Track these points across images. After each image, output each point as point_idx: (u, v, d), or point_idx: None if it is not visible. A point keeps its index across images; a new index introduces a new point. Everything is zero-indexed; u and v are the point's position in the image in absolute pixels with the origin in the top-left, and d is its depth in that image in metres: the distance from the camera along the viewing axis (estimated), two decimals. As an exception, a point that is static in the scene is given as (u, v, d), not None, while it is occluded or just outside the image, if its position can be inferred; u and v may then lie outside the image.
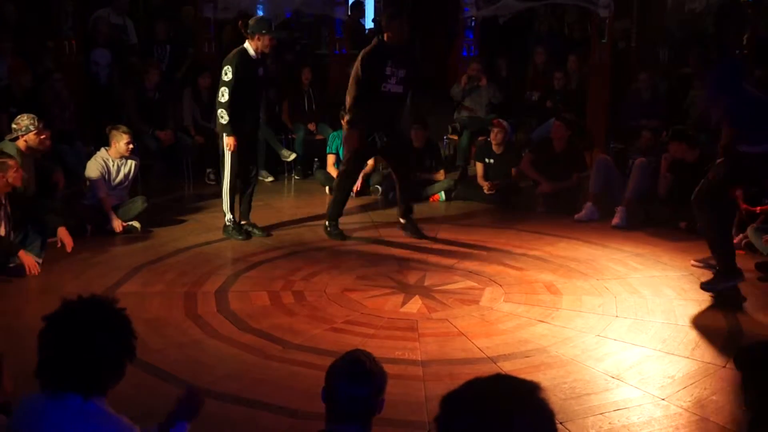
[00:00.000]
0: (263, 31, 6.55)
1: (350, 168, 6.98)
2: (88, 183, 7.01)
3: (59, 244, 6.17)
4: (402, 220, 7.06)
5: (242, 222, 6.94)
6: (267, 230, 7.04)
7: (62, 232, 6.19)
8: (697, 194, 5.49)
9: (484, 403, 1.55)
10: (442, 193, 8.51)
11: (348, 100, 6.66)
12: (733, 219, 6.32)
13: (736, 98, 5.36)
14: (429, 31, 12.36)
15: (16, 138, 6.42)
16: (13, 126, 6.49)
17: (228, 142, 6.58)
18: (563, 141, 8.12)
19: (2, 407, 2.76)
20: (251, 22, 6.74)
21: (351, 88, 6.62)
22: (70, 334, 2.24)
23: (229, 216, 6.81)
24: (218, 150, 6.78)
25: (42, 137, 6.51)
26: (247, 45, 6.60)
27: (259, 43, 6.57)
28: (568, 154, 8.13)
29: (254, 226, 7.00)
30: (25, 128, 6.43)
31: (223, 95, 6.50)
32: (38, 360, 2.25)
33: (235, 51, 6.63)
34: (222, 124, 6.56)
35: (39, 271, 5.88)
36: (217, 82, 6.77)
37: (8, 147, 6.32)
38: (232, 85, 6.46)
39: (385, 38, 6.63)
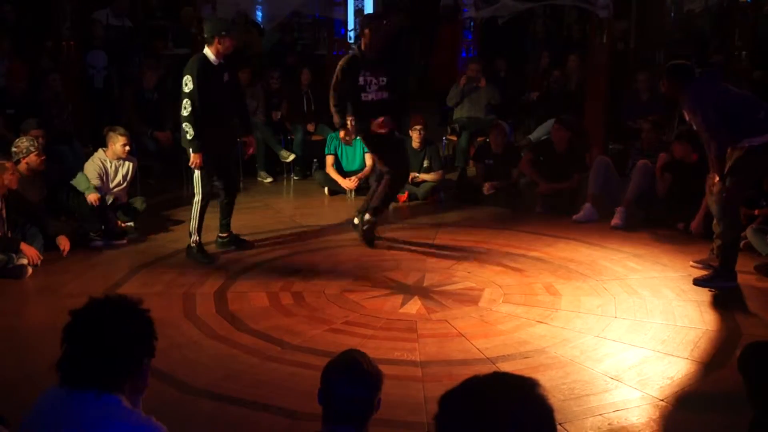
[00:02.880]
0: (222, 33, 6.06)
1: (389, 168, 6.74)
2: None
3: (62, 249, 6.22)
4: (366, 217, 6.73)
5: (223, 235, 6.61)
6: (251, 243, 6.71)
7: (61, 240, 6.20)
8: (720, 202, 5.64)
9: (482, 401, 1.55)
10: (441, 193, 8.51)
11: (331, 103, 6.65)
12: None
13: (720, 105, 5.49)
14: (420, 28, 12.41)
15: (18, 161, 6.38)
16: (13, 149, 6.42)
17: (193, 159, 6.09)
18: (564, 142, 8.12)
19: None
20: (206, 25, 6.30)
21: (331, 93, 6.63)
22: (95, 330, 2.27)
23: (195, 237, 6.30)
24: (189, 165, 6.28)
25: (43, 158, 6.48)
26: (206, 51, 6.10)
27: (220, 47, 6.06)
28: (569, 154, 8.13)
29: (237, 237, 6.70)
30: (26, 150, 6.40)
31: (185, 108, 5.97)
32: (62, 353, 2.27)
33: (193, 58, 6.16)
34: (187, 140, 6.05)
35: (40, 260, 5.95)
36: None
37: None
38: (195, 96, 5.96)
39: (362, 47, 6.56)
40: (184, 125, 6.05)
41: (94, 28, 9.63)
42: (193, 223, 6.32)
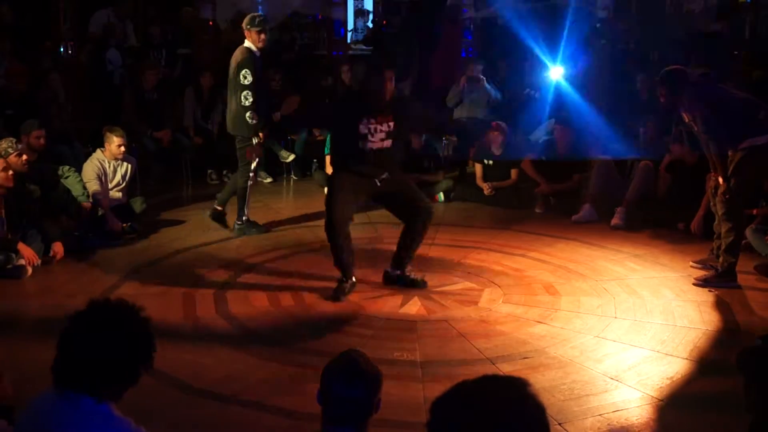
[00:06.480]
0: (257, 28, 6.67)
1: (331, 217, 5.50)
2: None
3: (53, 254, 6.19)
4: (398, 272, 5.75)
5: (218, 207, 7.12)
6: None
7: (56, 246, 6.18)
8: (725, 203, 5.65)
9: (473, 405, 1.55)
10: (441, 194, 8.51)
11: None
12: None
13: (719, 107, 5.52)
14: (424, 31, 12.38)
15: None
16: None
17: (257, 147, 6.80)
18: (566, 143, 8.13)
19: (4, 411, 2.76)
20: (247, 19, 6.84)
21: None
22: (91, 335, 2.25)
23: (245, 215, 6.98)
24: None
25: (24, 159, 6.40)
26: (248, 43, 6.71)
27: (255, 38, 6.69)
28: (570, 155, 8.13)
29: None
30: (4, 152, 6.32)
31: (246, 99, 6.61)
32: (56, 357, 2.26)
33: (243, 51, 6.70)
34: (254, 124, 6.69)
35: (39, 261, 5.93)
36: (219, 83, 6.78)
37: None
38: (254, 88, 6.62)
39: (362, 91, 5.76)
40: (248, 114, 6.64)
41: (116, 29, 9.75)
42: (245, 203, 6.99)
